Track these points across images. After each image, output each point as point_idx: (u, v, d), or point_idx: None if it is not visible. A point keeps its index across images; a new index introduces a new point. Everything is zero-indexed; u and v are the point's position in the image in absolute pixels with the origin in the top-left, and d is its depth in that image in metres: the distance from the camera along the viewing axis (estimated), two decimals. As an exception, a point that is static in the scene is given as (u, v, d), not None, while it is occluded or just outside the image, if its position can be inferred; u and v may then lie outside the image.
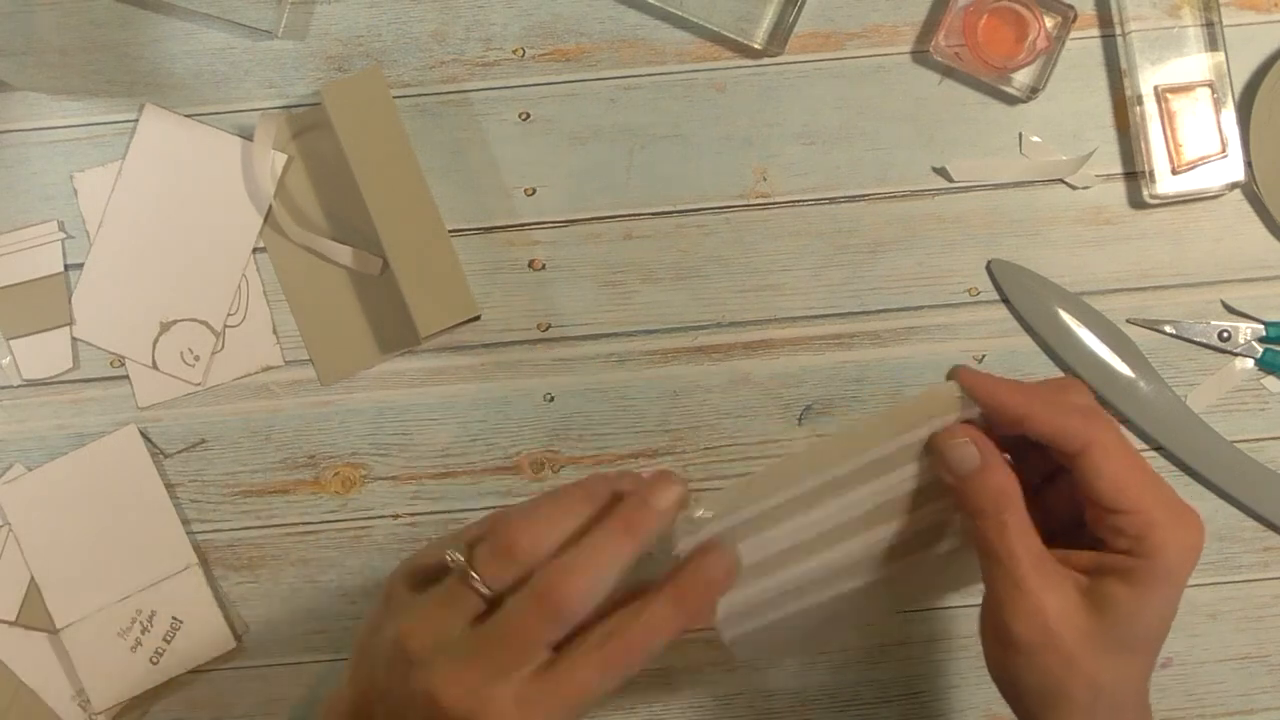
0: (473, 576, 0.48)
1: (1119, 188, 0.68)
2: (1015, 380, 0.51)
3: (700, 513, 0.52)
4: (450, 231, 0.67)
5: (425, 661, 0.47)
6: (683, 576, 0.50)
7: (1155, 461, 0.67)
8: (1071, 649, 0.48)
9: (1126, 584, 0.48)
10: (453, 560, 0.48)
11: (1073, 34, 0.67)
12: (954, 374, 0.52)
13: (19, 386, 0.68)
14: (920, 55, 0.68)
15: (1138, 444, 0.67)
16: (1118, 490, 0.48)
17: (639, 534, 0.48)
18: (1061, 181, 0.67)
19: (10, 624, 0.66)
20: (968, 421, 0.50)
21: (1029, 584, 0.48)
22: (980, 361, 0.67)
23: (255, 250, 0.68)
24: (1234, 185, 0.66)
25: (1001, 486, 0.49)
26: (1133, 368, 0.66)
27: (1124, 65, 0.67)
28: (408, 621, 0.48)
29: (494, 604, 0.48)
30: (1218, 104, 0.66)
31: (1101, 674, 0.48)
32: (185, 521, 0.67)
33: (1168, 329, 0.67)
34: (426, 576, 0.51)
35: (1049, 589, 0.48)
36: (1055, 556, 0.49)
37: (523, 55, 0.68)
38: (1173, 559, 0.47)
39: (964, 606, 0.67)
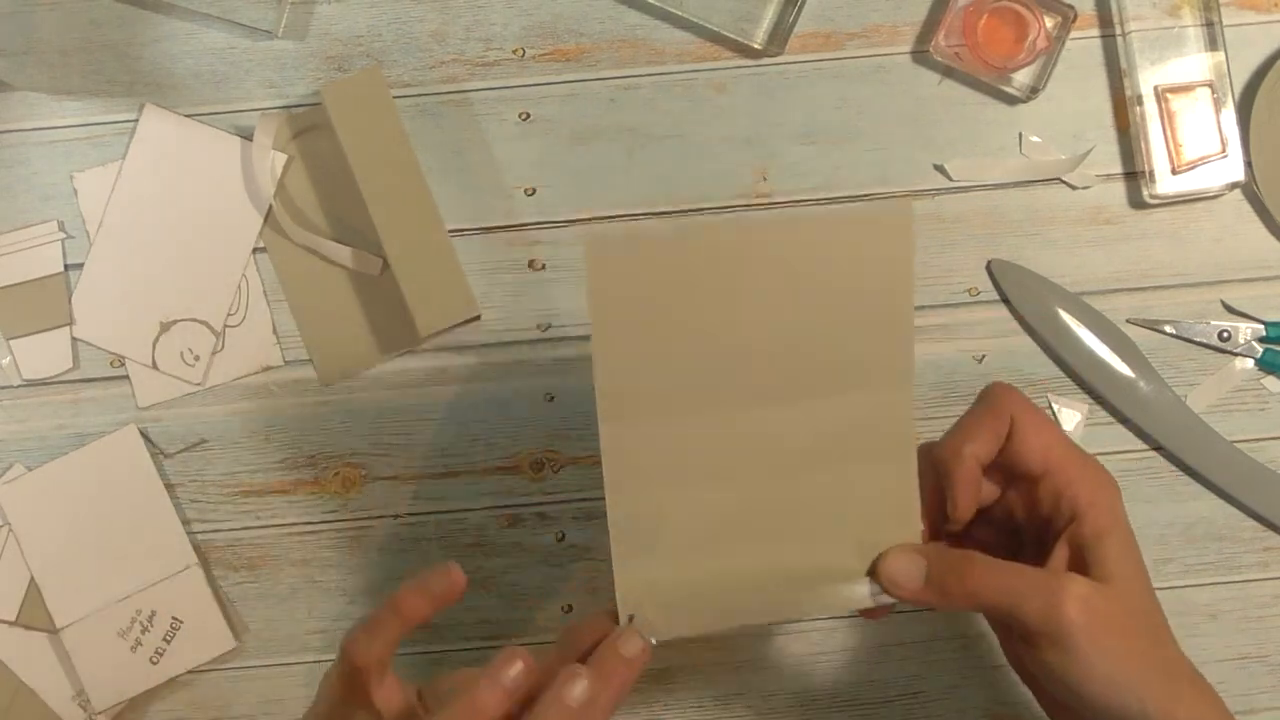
0: None
1: (1119, 188, 0.68)
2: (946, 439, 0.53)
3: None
4: (450, 231, 0.67)
5: None
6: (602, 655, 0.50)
7: (1155, 461, 0.67)
8: (1128, 611, 0.49)
9: (1097, 540, 0.50)
10: None
11: (1073, 34, 0.67)
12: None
13: (19, 386, 0.68)
14: (920, 55, 0.68)
15: (1138, 444, 0.67)
16: (1043, 456, 0.51)
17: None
18: (1061, 181, 0.67)
19: (10, 624, 0.66)
20: None
21: (1051, 584, 0.48)
22: (980, 361, 0.67)
23: (255, 250, 0.68)
24: (1234, 185, 0.66)
25: (959, 557, 0.51)
26: (1133, 368, 0.66)
27: (1124, 65, 0.67)
28: None
29: None
30: (1218, 104, 0.66)
31: (1155, 627, 0.50)
32: (185, 521, 0.67)
33: (1168, 329, 0.67)
34: None
35: (1065, 578, 0.49)
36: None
37: (523, 55, 0.68)
38: (1105, 513, 0.50)
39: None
